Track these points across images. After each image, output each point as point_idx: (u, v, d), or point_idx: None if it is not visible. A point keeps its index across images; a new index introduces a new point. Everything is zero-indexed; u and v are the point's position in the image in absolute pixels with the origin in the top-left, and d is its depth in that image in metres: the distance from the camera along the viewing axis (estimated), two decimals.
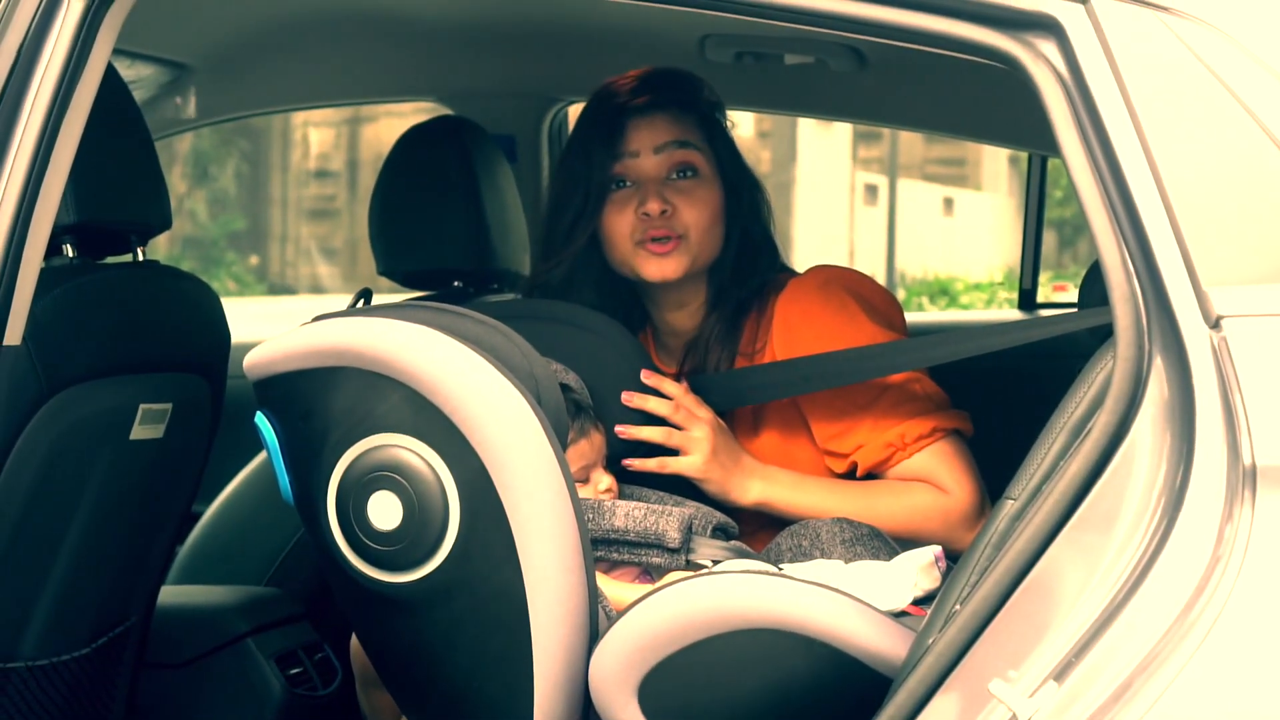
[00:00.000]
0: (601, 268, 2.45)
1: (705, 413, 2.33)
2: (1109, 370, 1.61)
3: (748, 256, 2.44)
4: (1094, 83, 1.60)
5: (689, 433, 2.32)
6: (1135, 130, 1.58)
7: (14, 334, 1.82)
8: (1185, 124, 1.58)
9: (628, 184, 2.41)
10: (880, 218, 20.85)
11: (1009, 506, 1.71)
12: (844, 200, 21.09)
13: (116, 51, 1.93)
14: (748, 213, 2.46)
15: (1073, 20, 1.61)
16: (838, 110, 3.86)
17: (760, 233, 2.47)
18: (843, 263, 2.91)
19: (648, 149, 2.41)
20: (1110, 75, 1.60)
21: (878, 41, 1.73)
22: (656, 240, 2.38)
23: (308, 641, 2.80)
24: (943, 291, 16.34)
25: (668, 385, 2.35)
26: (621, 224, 2.41)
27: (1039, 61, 1.63)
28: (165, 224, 2.35)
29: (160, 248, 2.85)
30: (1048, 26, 1.63)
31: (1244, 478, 1.51)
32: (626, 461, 2.32)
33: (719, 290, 2.44)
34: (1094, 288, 2.24)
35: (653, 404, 2.33)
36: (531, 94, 3.49)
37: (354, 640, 2.45)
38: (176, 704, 2.65)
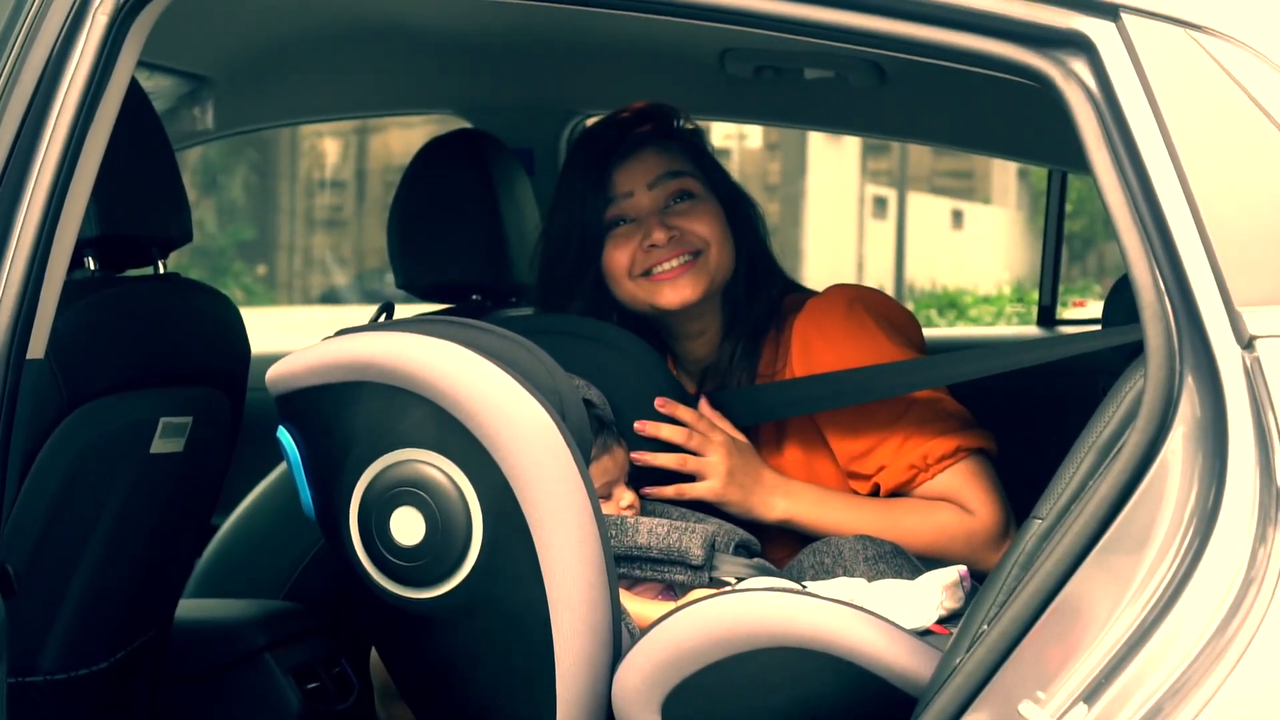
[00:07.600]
0: (613, 304, 2.44)
1: (720, 435, 2.31)
2: (1139, 389, 1.60)
3: (757, 275, 2.44)
4: (1126, 101, 1.59)
5: (704, 458, 2.31)
6: (1167, 148, 1.57)
7: (37, 347, 1.80)
8: (1218, 142, 1.57)
9: (627, 222, 2.40)
10: (889, 230, 20.82)
11: (1036, 526, 1.70)
12: (853, 213, 21.08)
13: (136, 63, 1.92)
14: (749, 231, 2.45)
15: (1104, 38, 1.61)
16: (856, 125, 3.85)
17: (764, 251, 2.47)
18: (851, 275, 2.90)
19: (641, 186, 2.40)
20: (1142, 93, 1.59)
21: (900, 57, 1.72)
22: (662, 267, 2.37)
23: (325, 655, 2.79)
24: (951, 304, 16.30)
25: (682, 411, 2.33)
26: (622, 259, 2.39)
27: (1070, 79, 1.62)
28: (186, 236, 2.35)
29: (169, 257, 2.85)
30: (1079, 44, 1.62)
31: (1277, 499, 1.50)
32: (646, 490, 2.31)
33: (733, 314, 2.42)
34: (1119, 304, 2.23)
35: (665, 431, 2.32)
36: (550, 107, 3.48)
37: (373, 654, 2.44)
38: (194, 718, 2.64)
